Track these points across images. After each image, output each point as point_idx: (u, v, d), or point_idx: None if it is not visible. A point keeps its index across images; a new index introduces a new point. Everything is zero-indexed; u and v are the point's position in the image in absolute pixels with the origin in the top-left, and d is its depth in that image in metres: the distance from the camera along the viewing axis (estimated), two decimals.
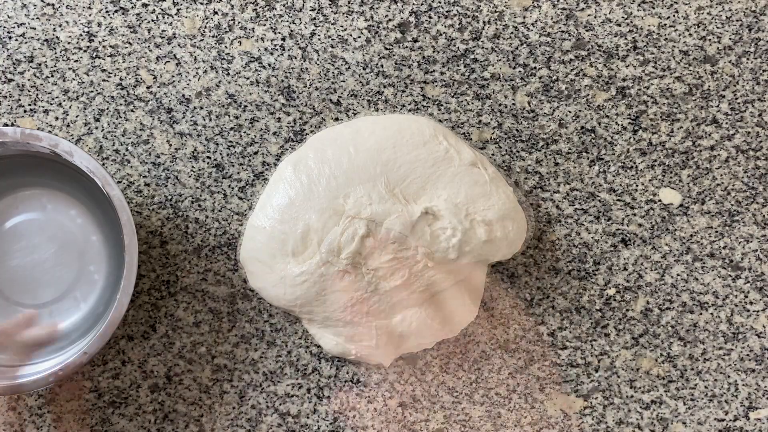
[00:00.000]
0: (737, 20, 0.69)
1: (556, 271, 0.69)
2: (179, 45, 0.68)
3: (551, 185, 0.69)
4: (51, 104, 0.68)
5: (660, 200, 0.69)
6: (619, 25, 0.69)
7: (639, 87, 0.69)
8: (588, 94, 0.69)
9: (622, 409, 0.69)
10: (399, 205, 0.64)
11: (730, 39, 0.69)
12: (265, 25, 0.68)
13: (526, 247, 0.69)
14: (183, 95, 0.68)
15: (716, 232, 0.69)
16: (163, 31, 0.68)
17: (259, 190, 0.68)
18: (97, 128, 0.68)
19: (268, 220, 0.65)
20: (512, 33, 0.68)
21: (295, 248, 0.64)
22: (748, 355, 0.69)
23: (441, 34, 0.68)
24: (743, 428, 0.69)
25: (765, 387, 0.69)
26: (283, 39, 0.68)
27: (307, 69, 0.68)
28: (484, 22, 0.68)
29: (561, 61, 0.69)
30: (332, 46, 0.68)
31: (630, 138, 0.69)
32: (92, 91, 0.68)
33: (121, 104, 0.68)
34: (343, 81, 0.68)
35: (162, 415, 0.68)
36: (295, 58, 0.68)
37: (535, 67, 0.68)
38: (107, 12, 0.68)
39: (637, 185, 0.69)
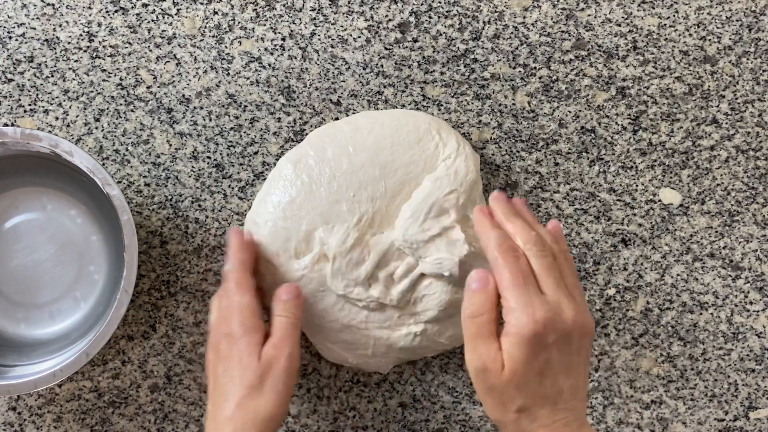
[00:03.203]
0: (737, 20, 0.69)
1: None
2: (179, 45, 0.68)
3: (551, 185, 0.69)
4: (51, 104, 0.68)
5: (660, 200, 0.69)
6: (619, 25, 0.69)
7: (639, 87, 0.69)
8: (588, 94, 0.69)
9: (622, 409, 0.69)
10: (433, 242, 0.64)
11: (730, 39, 0.69)
12: (265, 25, 0.68)
13: None
14: (183, 95, 0.68)
15: (716, 232, 0.69)
16: (163, 31, 0.68)
17: (260, 189, 0.68)
18: (97, 128, 0.68)
19: (269, 215, 0.64)
20: (512, 33, 0.68)
21: (298, 248, 0.64)
22: (748, 355, 0.69)
23: (441, 34, 0.68)
24: (743, 428, 0.69)
25: (765, 387, 0.69)
26: (283, 39, 0.68)
27: (307, 69, 0.68)
28: (484, 22, 0.68)
29: (561, 61, 0.69)
30: (332, 46, 0.68)
31: (630, 138, 0.69)
32: (92, 91, 0.68)
33: (121, 104, 0.68)
34: (343, 81, 0.68)
35: (162, 415, 0.68)
36: (295, 58, 0.68)
37: (535, 67, 0.68)
38: (107, 12, 0.68)
39: (637, 185, 0.69)
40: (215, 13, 0.68)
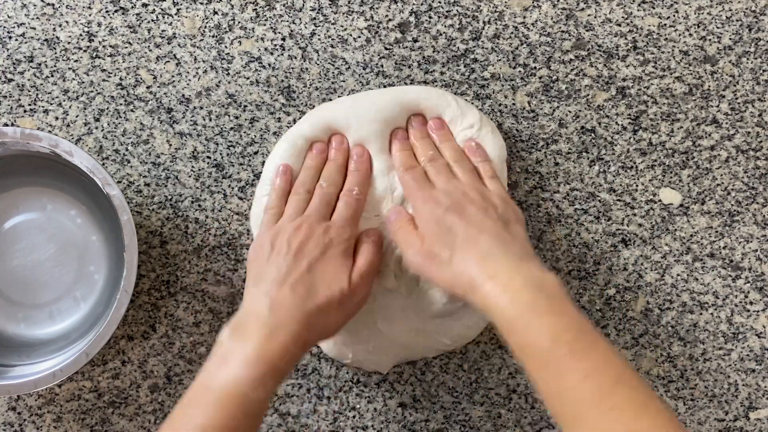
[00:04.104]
0: (737, 20, 0.69)
1: (556, 271, 0.69)
2: (179, 45, 0.68)
3: (551, 185, 0.69)
4: (51, 104, 0.68)
5: (660, 200, 0.69)
6: (619, 25, 0.69)
7: (639, 87, 0.69)
8: (588, 94, 0.69)
9: None
10: None
11: (730, 39, 0.69)
12: (265, 25, 0.68)
13: None
14: (183, 95, 0.68)
15: (716, 232, 0.69)
16: (163, 31, 0.68)
17: (259, 182, 0.68)
18: (97, 128, 0.68)
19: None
20: (512, 33, 0.68)
21: None
22: (748, 355, 0.69)
23: (441, 34, 0.68)
24: (743, 428, 0.69)
25: (765, 387, 0.69)
26: (283, 39, 0.68)
27: (307, 69, 0.68)
28: (484, 22, 0.68)
29: (561, 61, 0.69)
30: (332, 46, 0.68)
31: (630, 138, 0.69)
32: (92, 91, 0.68)
33: (121, 104, 0.68)
34: (343, 81, 0.68)
35: (162, 415, 0.68)
36: (295, 58, 0.68)
37: (535, 67, 0.68)
38: (107, 12, 0.68)
39: (637, 185, 0.69)
40: (215, 13, 0.68)
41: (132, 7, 0.68)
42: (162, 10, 0.68)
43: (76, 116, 0.68)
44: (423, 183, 0.62)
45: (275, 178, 0.64)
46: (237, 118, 0.68)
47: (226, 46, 0.68)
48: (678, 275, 0.69)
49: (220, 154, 0.68)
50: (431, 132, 0.66)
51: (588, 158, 0.69)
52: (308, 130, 0.65)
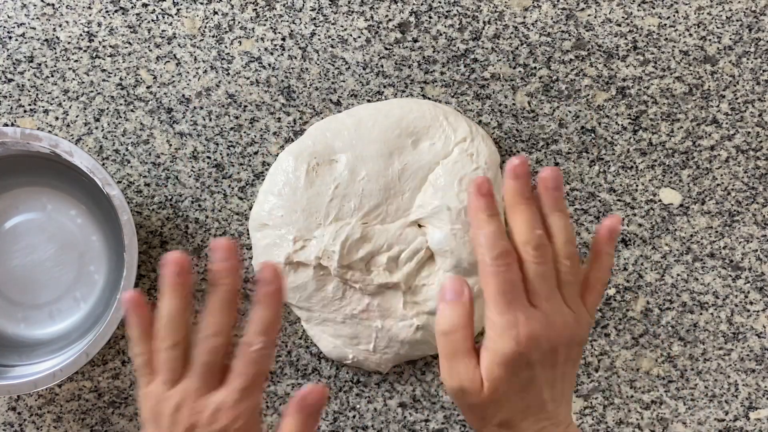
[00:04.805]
0: (737, 20, 0.69)
1: None
2: (179, 45, 0.68)
3: None
4: (51, 104, 0.68)
5: (660, 200, 0.69)
6: (619, 25, 0.69)
7: (639, 87, 0.69)
8: (588, 94, 0.69)
9: (622, 409, 0.69)
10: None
11: (730, 39, 0.69)
12: (265, 25, 0.68)
13: None
14: (183, 95, 0.68)
15: (716, 232, 0.69)
16: (163, 31, 0.68)
17: (259, 190, 0.68)
18: (97, 128, 0.68)
19: (274, 211, 0.65)
20: (512, 33, 0.68)
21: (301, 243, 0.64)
22: (748, 355, 0.69)
23: (441, 34, 0.68)
24: (743, 428, 0.69)
25: (765, 387, 0.69)
26: (283, 39, 0.68)
27: (307, 69, 0.68)
28: (484, 22, 0.68)
29: (561, 61, 0.69)
30: (332, 46, 0.68)
31: (630, 138, 0.69)
32: (92, 91, 0.68)
33: (121, 104, 0.68)
34: (343, 81, 0.68)
35: None
36: (295, 58, 0.68)
37: (535, 67, 0.68)
38: (107, 12, 0.68)
39: (637, 185, 0.69)
40: (215, 13, 0.68)
41: (132, 7, 0.68)
42: (162, 10, 0.68)
43: (76, 116, 0.68)
44: (515, 292, 0.46)
45: (125, 313, 0.47)
46: (237, 118, 0.68)
47: (226, 46, 0.68)
48: (678, 275, 0.69)
49: (220, 154, 0.68)
50: (543, 191, 0.48)
51: (588, 158, 0.69)
52: (311, 146, 0.65)
